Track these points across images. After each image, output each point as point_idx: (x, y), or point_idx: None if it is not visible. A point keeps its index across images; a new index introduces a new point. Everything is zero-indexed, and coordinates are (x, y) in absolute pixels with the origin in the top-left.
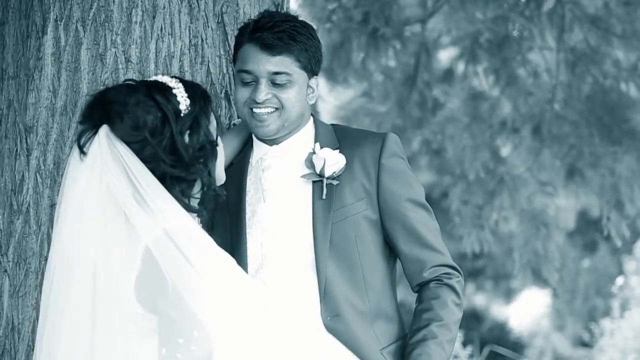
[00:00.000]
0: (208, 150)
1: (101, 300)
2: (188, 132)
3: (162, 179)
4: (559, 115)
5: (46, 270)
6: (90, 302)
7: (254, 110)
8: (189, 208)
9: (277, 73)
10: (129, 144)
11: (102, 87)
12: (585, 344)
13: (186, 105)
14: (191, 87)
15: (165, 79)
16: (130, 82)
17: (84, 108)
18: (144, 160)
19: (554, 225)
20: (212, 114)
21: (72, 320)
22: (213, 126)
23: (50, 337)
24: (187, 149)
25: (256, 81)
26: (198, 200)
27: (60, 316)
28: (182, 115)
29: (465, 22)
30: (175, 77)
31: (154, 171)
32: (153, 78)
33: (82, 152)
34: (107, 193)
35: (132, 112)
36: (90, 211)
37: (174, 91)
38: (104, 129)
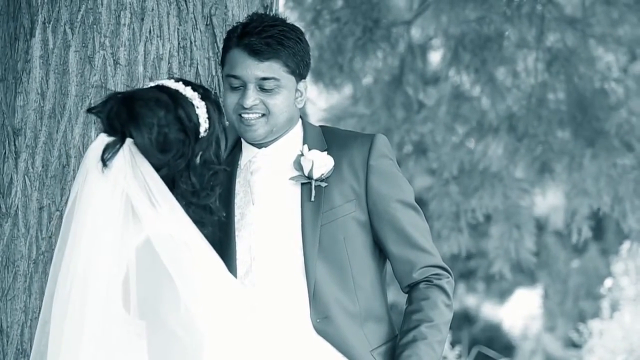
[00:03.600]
0: (220, 176)
1: (107, 309)
2: (201, 153)
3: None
4: (537, 114)
5: (58, 279)
6: (102, 310)
7: (242, 115)
8: (200, 226)
9: (265, 78)
10: (150, 161)
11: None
12: (575, 345)
13: (205, 128)
14: (211, 104)
15: (189, 93)
16: (157, 92)
17: (107, 114)
18: (161, 177)
19: (539, 224)
20: (224, 132)
21: (93, 330)
22: (223, 144)
23: (70, 346)
24: (202, 174)
25: (244, 86)
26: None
27: (80, 325)
28: (200, 137)
29: (449, 23)
30: (198, 91)
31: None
32: (175, 87)
33: (105, 165)
34: (124, 206)
35: (162, 132)
36: (108, 224)
37: (197, 111)
38: (129, 143)
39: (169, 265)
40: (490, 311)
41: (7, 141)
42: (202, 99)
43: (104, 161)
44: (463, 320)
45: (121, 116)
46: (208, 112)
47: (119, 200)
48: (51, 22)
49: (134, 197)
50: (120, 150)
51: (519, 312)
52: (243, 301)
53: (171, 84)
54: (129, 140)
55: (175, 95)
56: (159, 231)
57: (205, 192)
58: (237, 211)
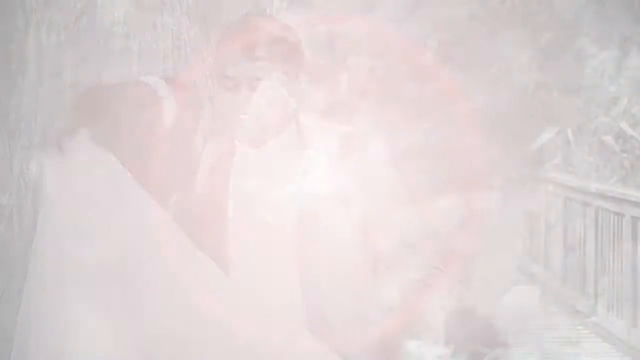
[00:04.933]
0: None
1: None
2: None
3: None
4: (530, 114)
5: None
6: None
7: (235, 115)
8: (168, 208)
9: (258, 79)
10: (110, 144)
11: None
12: (573, 342)
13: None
14: (178, 89)
15: (149, 80)
16: (115, 82)
17: (67, 108)
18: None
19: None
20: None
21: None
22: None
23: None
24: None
25: (237, 86)
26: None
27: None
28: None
29: (442, 20)
30: (161, 79)
31: None
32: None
33: (62, 152)
34: (88, 192)
35: (117, 113)
36: (75, 210)
37: (159, 93)
38: (84, 130)
39: (157, 264)
40: (487, 308)
41: (1, 143)
42: (161, 79)
43: (61, 147)
44: (459, 317)
45: (78, 106)
46: (172, 93)
47: (82, 186)
48: (45, 23)
49: (100, 190)
50: (76, 135)
51: (517, 309)
52: (235, 298)
53: None
54: (85, 129)
55: (135, 82)
56: (142, 236)
57: None
58: (231, 211)
